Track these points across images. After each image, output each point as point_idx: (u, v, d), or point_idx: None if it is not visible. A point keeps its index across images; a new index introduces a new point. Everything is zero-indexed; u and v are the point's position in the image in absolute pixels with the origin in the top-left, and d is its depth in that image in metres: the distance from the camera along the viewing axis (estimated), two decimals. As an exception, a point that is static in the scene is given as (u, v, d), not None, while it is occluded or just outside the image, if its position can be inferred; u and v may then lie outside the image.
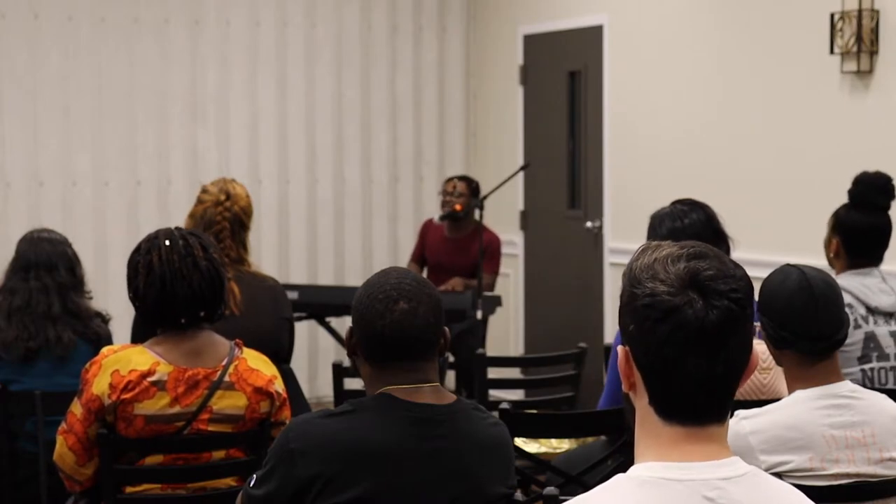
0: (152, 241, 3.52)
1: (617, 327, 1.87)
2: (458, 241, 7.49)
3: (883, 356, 4.12)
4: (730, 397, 1.77)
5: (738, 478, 1.75)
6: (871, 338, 4.12)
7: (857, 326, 4.13)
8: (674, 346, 1.72)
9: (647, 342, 1.74)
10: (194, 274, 3.47)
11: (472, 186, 7.52)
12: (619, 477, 1.76)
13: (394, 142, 8.75)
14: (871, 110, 5.94)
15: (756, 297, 3.11)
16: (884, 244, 4.35)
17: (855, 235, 4.31)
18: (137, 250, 3.52)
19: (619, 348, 1.80)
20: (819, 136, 6.19)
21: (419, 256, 7.69)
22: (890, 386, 4.10)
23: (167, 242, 3.49)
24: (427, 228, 7.72)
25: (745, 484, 1.75)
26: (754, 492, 1.75)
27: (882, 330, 4.16)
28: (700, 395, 1.74)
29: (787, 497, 1.79)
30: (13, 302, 4.56)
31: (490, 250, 7.38)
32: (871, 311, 4.17)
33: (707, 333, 1.72)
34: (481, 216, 6.95)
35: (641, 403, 1.79)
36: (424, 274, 7.58)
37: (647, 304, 1.73)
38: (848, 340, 4.02)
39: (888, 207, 4.38)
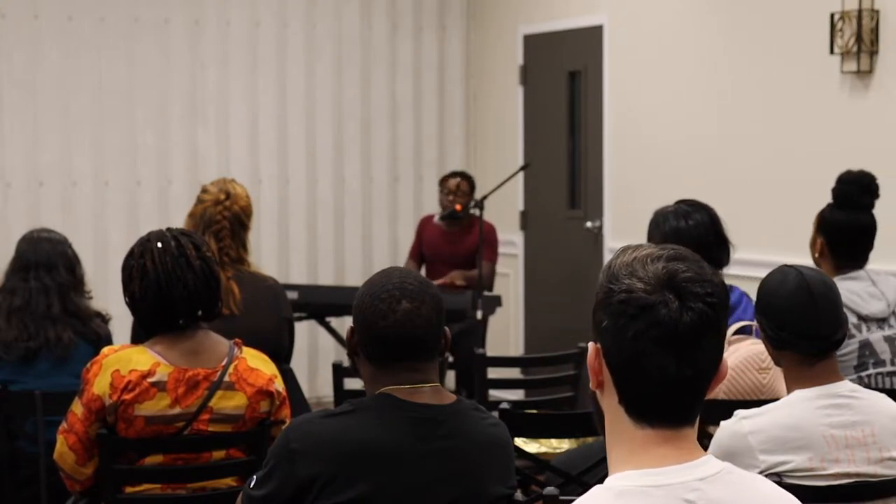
0: (144, 244, 3.51)
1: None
2: (454, 234, 7.56)
3: (879, 362, 4.06)
4: (699, 401, 1.78)
5: (714, 476, 1.76)
6: (865, 345, 4.07)
7: (851, 336, 4.03)
8: (645, 343, 1.73)
9: (620, 338, 1.75)
10: (188, 274, 3.46)
11: (471, 183, 7.66)
12: (596, 489, 1.76)
13: (394, 142, 8.74)
14: (871, 110, 5.94)
15: (754, 298, 3.12)
16: (869, 243, 4.31)
17: (839, 235, 4.27)
18: (131, 255, 3.51)
19: (591, 344, 1.80)
20: (819, 136, 6.18)
21: (417, 253, 7.74)
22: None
23: (159, 245, 3.48)
24: (423, 224, 7.76)
25: (720, 482, 1.76)
26: (731, 488, 1.76)
27: (876, 336, 4.10)
28: (667, 397, 1.75)
29: (762, 489, 1.80)
30: (13, 302, 4.57)
31: (487, 239, 7.42)
32: (863, 318, 4.11)
33: (679, 335, 1.73)
34: (481, 214, 6.97)
35: (611, 403, 1.79)
36: (423, 270, 7.64)
37: (623, 300, 1.74)
38: (843, 350, 3.97)
39: (872, 206, 4.34)
